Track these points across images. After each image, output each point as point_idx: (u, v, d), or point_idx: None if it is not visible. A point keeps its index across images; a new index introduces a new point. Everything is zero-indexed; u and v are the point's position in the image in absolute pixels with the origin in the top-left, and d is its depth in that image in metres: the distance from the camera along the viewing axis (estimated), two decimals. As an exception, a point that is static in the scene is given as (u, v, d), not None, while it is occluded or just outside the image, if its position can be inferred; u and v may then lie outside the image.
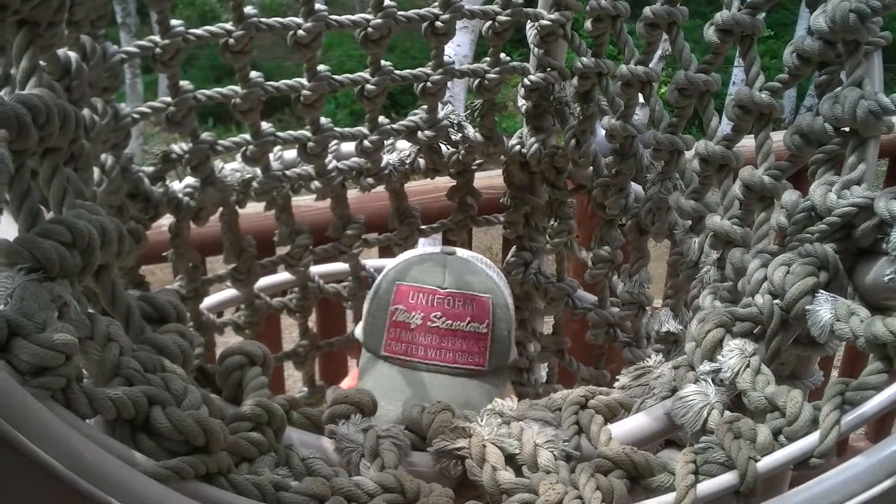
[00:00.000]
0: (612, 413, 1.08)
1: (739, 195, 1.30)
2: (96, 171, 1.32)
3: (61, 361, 0.69)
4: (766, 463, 0.91)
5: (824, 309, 1.06)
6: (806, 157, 1.25)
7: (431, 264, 1.46)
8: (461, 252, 1.53)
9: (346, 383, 1.74)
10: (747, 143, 1.39)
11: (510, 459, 1.01)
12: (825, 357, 2.45)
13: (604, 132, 1.67)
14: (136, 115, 1.49)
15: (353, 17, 1.55)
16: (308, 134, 1.65)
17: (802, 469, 0.92)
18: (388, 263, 1.54)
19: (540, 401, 1.13)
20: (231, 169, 1.69)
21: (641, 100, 1.59)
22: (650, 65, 1.56)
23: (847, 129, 1.19)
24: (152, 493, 0.72)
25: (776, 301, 1.07)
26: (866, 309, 1.07)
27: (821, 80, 1.25)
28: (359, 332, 1.54)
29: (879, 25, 1.18)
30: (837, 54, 1.21)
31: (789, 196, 1.24)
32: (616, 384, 1.20)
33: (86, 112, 1.20)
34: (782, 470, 0.91)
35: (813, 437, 0.92)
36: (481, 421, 1.06)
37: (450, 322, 1.37)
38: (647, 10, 1.47)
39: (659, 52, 4.15)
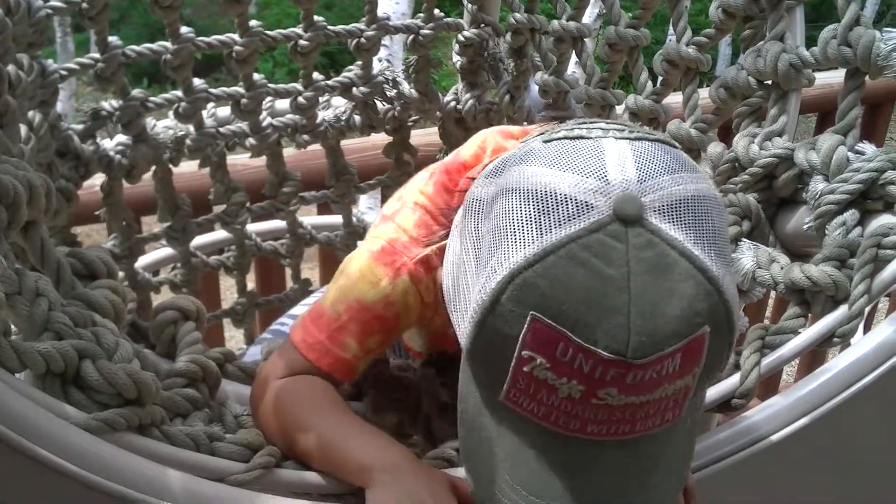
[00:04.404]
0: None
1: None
2: (23, 129, 1.29)
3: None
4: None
5: (746, 257, 1.10)
6: (731, 109, 1.28)
7: (596, 279, 0.69)
8: (654, 211, 0.71)
9: None
10: (678, 97, 1.41)
11: (445, 408, 1.03)
12: (757, 307, 2.52)
13: (537, 88, 1.68)
14: (63, 72, 1.47)
15: (284, -28, 1.53)
16: (241, 90, 1.64)
17: (725, 410, 0.95)
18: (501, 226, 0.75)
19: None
20: (163, 126, 1.67)
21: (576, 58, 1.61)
22: (583, 20, 1.58)
23: (769, 81, 1.22)
24: (84, 444, 0.73)
25: (700, 249, 1.10)
26: (787, 256, 1.10)
27: (745, 34, 1.28)
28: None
29: (800, -20, 1.21)
30: (761, 9, 1.23)
31: (714, 148, 1.27)
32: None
33: (10, 68, 1.18)
34: (706, 410, 0.94)
35: (734, 380, 0.95)
36: (416, 374, 1.08)
37: (634, 398, 0.71)
38: (577, -35, 1.48)
39: (596, 10, 4.18)
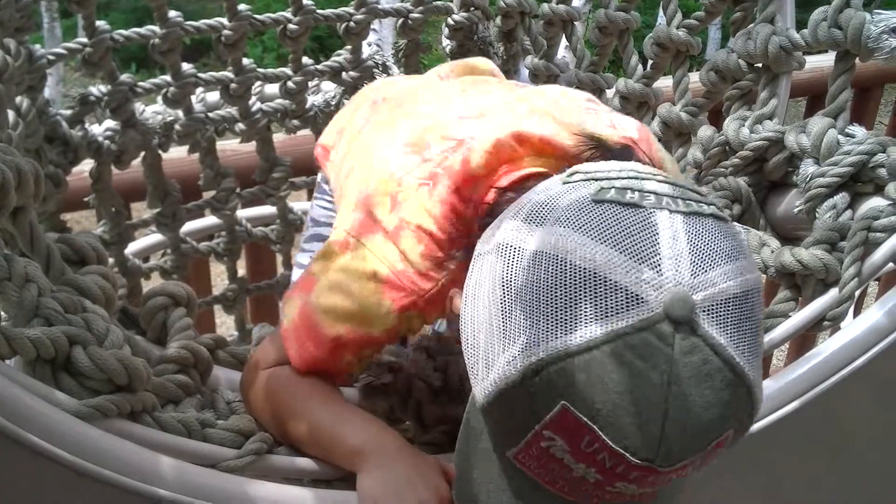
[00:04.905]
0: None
1: (658, 132, 1.33)
2: (11, 114, 1.28)
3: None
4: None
5: (737, 240, 1.10)
6: (721, 92, 1.29)
7: (637, 383, 0.65)
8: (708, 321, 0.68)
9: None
10: (668, 81, 1.41)
11: (437, 393, 1.03)
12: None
13: (527, 71, 1.68)
14: (51, 57, 1.46)
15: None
16: (230, 75, 1.63)
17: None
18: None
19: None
20: (152, 111, 1.66)
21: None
22: (574, 4, 1.57)
23: (760, 64, 1.22)
24: (75, 430, 0.72)
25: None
26: (777, 240, 1.11)
27: (736, 16, 1.28)
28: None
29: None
30: (751, -9, 1.23)
31: (705, 131, 1.27)
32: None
33: (-3, 53, 1.17)
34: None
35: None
36: (407, 359, 1.08)
37: (648, 489, 0.70)
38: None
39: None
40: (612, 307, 0.65)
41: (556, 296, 0.67)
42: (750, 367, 0.68)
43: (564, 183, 0.75)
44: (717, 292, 0.67)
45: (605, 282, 0.66)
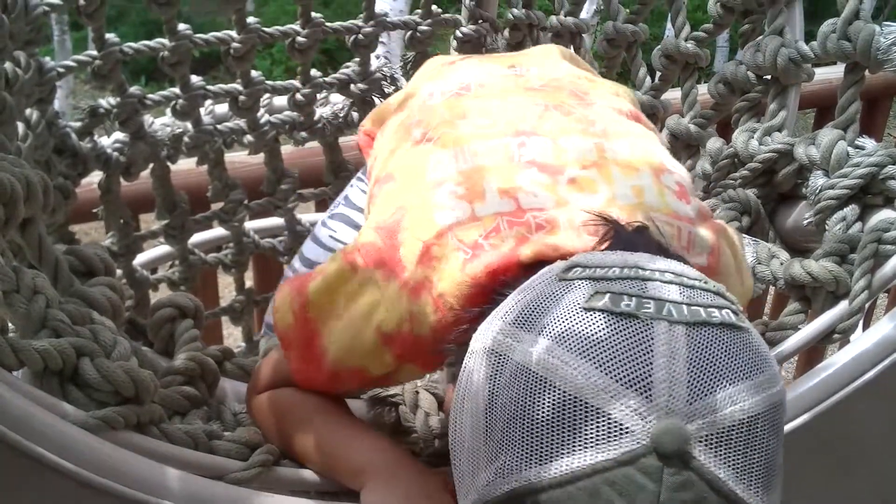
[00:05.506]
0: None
1: (666, 143, 1.32)
2: (21, 126, 1.29)
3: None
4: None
5: (746, 252, 1.09)
6: (730, 105, 1.29)
7: None
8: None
9: None
10: (676, 93, 1.41)
11: (442, 405, 1.03)
12: (756, 303, 2.52)
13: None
14: (60, 69, 1.46)
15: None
16: (239, 87, 1.64)
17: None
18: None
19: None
20: (161, 124, 1.66)
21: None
22: (582, 16, 1.57)
23: (769, 76, 1.22)
24: (82, 442, 0.72)
25: (700, 245, 1.10)
26: (787, 252, 1.10)
27: (744, 28, 1.28)
28: None
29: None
30: (760, 3, 1.24)
31: (713, 143, 1.27)
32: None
33: (8, 66, 1.17)
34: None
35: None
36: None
37: None
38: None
39: (594, 6, 4.17)
40: (591, 437, 0.58)
41: (534, 420, 0.60)
42: (758, 502, 0.60)
43: (560, 280, 0.68)
44: (718, 419, 0.59)
45: (587, 408, 0.59)
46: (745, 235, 1.13)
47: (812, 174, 1.09)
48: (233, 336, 2.95)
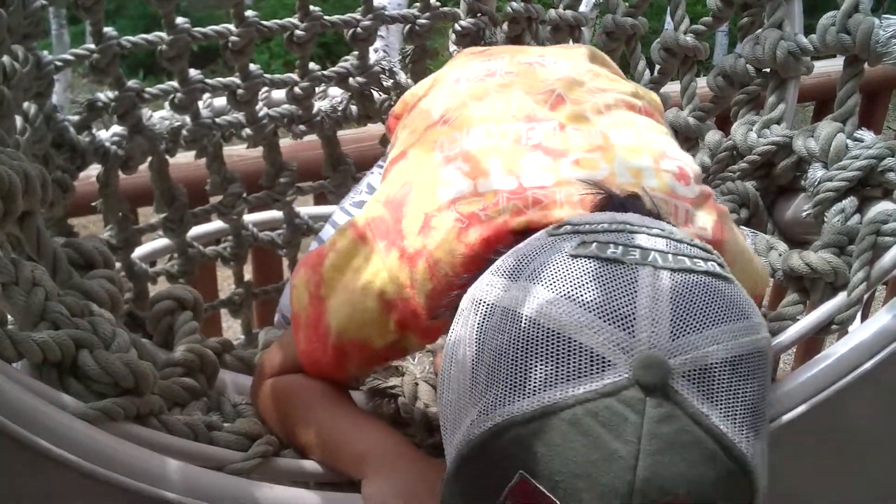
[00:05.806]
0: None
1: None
2: (19, 120, 1.29)
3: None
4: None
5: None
6: (729, 97, 1.29)
7: (599, 454, 0.60)
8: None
9: None
10: (676, 86, 1.41)
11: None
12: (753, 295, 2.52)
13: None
14: (58, 63, 1.46)
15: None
16: (237, 81, 1.63)
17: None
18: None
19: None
20: (159, 117, 1.66)
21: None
22: (581, 9, 1.57)
23: (768, 69, 1.22)
24: (82, 433, 0.72)
25: (698, 237, 1.10)
26: (785, 244, 1.10)
27: (743, 21, 1.28)
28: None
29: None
30: (759, -4, 1.24)
31: (712, 136, 1.27)
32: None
33: (5, 59, 1.17)
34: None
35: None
36: (413, 360, 1.08)
37: None
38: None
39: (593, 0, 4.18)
40: (574, 370, 0.60)
41: (517, 357, 0.62)
42: (742, 440, 0.61)
43: (550, 235, 0.70)
44: (700, 356, 0.60)
45: (570, 343, 0.61)
46: (743, 227, 1.13)
47: (811, 166, 1.09)
48: (232, 329, 2.95)
